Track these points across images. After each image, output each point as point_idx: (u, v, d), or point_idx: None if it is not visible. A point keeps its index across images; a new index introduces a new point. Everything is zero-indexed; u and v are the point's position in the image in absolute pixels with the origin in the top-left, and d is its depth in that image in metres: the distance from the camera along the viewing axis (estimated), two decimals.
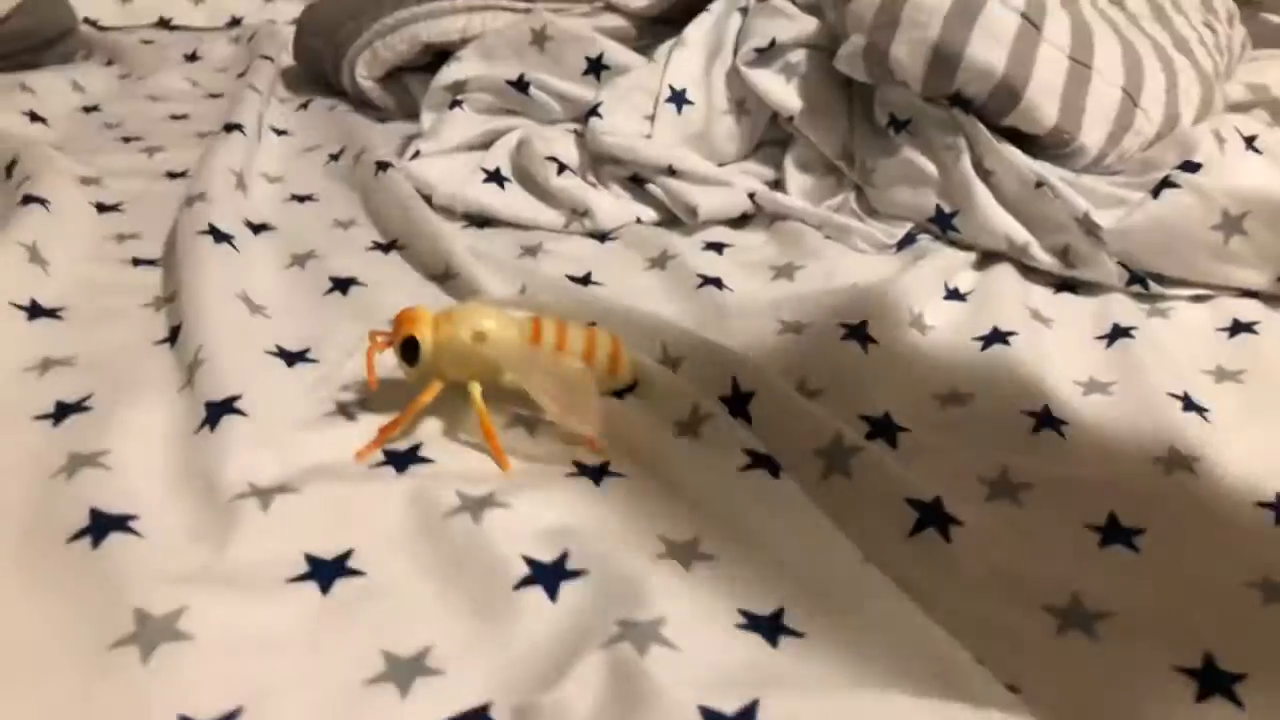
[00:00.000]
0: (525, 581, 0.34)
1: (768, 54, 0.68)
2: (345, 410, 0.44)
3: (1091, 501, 0.40)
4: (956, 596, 0.36)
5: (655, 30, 0.78)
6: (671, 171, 0.66)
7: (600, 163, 0.67)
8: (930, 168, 0.63)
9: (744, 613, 0.34)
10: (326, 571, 0.35)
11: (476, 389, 0.42)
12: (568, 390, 0.42)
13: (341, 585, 0.35)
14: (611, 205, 0.65)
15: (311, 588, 0.34)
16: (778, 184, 0.69)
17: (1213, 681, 0.33)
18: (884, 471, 0.39)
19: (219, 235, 0.54)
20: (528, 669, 0.31)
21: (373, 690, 0.31)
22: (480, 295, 0.52)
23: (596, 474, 0.41)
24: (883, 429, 0.45)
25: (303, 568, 0.35)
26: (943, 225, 0.62)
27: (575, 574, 0.35)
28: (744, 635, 0.33)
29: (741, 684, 0.29)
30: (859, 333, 0.51)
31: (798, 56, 0.68)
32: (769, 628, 0.34)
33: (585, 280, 0.57)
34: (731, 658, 0.32)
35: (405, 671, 0.31)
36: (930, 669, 0.31)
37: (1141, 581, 0.37)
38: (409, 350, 0.42)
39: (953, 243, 0.62)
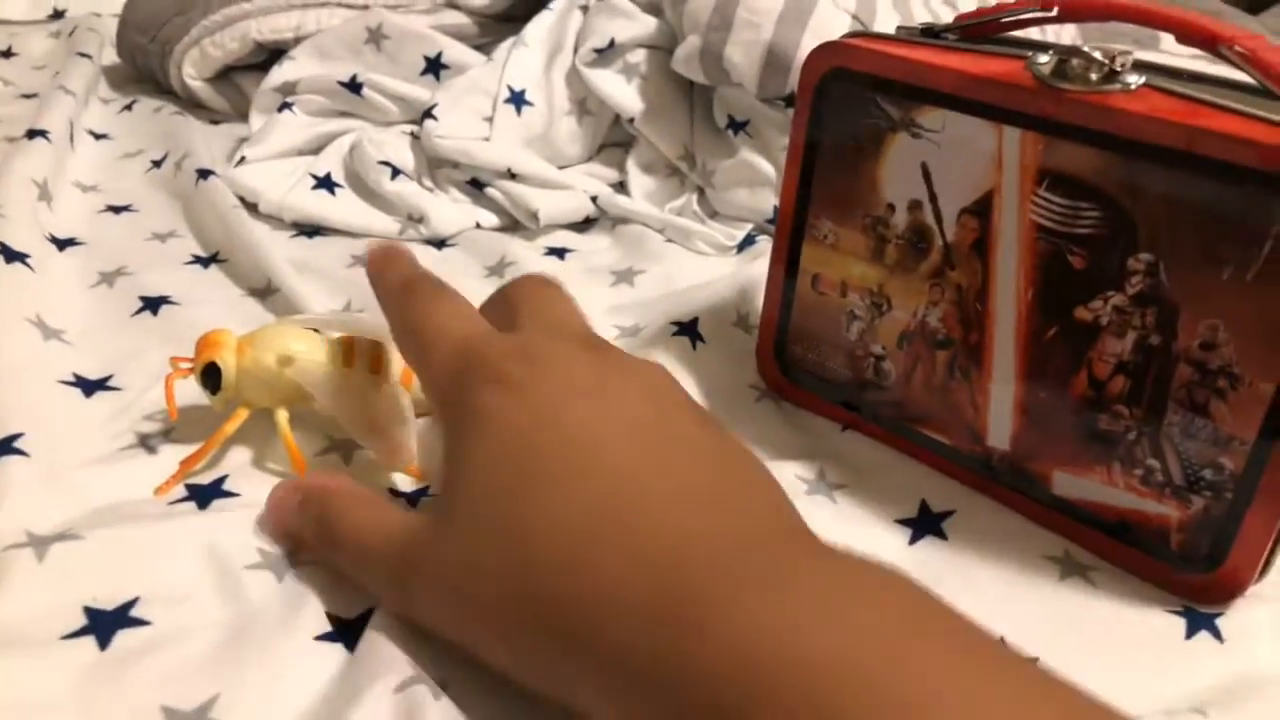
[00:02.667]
0: (325, 623, 0.33)
1: (607, 54, 0.67)
2: (146, 442, 0.41)
3: (902, 495, 0.41)
4: None
5: (498, 28, 0.77)
6: (511, 175, 0.65)
7: (437, 166, 0.65)
8: (768, 168, 0.63)
9: None
10: (106, 624, 0.33)
11: (283, 416, 0.40)
12: (382, 415, 0.40)
13: (122, 637, 0.32)
14: (449, 210, 0.63)
15: (88, 643, 0.32)
16: (621, 186, 0.68)
17: None
18: None
19: (10, 254, 0.50)
20: (319, 718, 0.30)
21: None
22: (295, 314, 0.50)
23: (413, 500, 0.40)
24: None
25: (80, 621, 0.33)
26: None
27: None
28: None
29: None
30: (689, 330, 0.51)
31: (638, 57, 0.67)
32: None
33: None
34: None
35: None
36: None
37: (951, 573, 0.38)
38: (210, 377, 0.40)
39: None
